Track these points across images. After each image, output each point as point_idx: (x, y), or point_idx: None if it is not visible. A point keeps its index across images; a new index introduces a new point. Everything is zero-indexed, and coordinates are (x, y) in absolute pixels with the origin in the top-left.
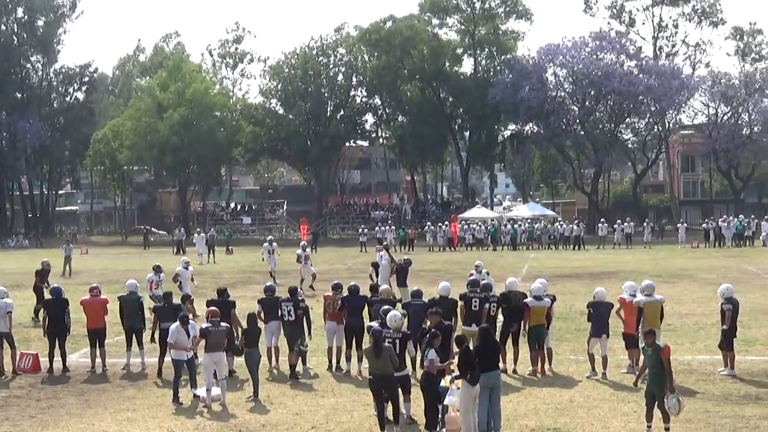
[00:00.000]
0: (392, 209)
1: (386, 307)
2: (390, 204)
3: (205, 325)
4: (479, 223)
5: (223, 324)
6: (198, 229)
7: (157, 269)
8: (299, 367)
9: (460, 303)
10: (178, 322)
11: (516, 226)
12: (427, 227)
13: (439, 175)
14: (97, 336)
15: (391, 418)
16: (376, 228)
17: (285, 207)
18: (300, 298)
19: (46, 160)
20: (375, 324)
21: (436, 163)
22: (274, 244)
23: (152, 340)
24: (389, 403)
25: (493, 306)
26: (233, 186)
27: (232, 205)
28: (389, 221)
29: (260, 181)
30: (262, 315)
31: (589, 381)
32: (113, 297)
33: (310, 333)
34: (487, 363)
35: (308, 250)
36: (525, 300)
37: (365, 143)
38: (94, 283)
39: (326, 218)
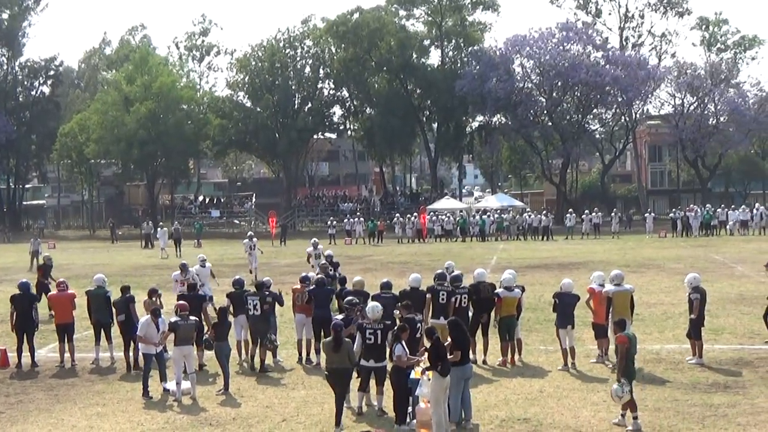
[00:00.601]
0: (361, 201)
1: (350, 297)
2: (359, 196)
3: (173, 318)
4: (448, 215)
5: (191, 318)
6: (161, 223)
7: (184, 267)
8: (269, 360)
9: (427, 296)
10: (149, 315)
11: (485, 217)
12: (396, 219)
13: (407, 167)
14: (65, 331)
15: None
16: (345, 220)
17: (254, 200)
18: (266, 292)
19: (12, 155)
20: (340, 317)
21: (405, 155)
22: (255, 239)
23: (121, 331)
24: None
25: (464, 298)
26: (201, 179)
27: (201, 198)
28: (358, 213)
29: (228, 174)
30: (231, 309)
31: (559, 371)
32: (81, 292)
33: (280, 302)
34: (461, 355)
35: (321, 247)
36: (496, 291)
37: (333, 135)
38: (62, 278)
39: (295, 211)
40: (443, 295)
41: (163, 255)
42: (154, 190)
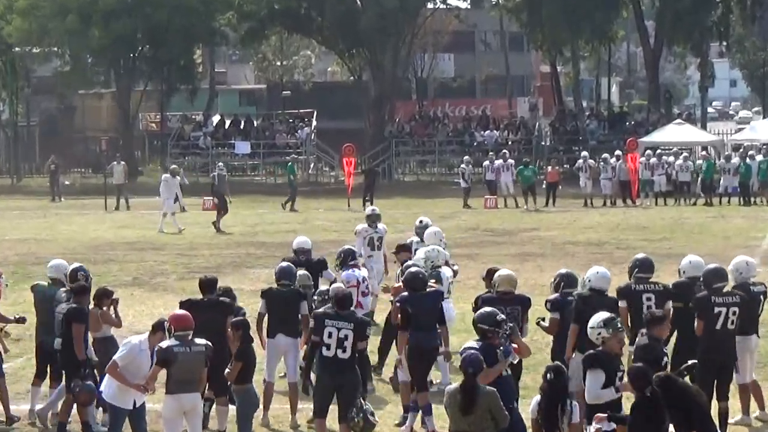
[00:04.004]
0: (515, 128)
1: (487, 309)
2: (511, 118)
3: (166, 343)
4: (685, 154)
5: (198, 341)
6: (174, 166)
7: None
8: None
9: (620, 304)
10: (141, 337)
11: (748, 160)
12: (581, 162)
13: (603, 65)
14: None
15: None
16: (485, 163)
17: (314, 123)
18: (364, 317)
19: None
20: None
21: (598, 42)
22: (381, 226)
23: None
24: None
25: (732, 312)
26: (218, 84)
27: (216, 118)
28: (507, 150)
29: (268, 75)
30: (266, 321)
31: None
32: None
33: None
34: None
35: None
36: None
37: (464, 4)
38: None
39: (391, 144)
40: (648, 298)
41: (175, 225)
42: (129, 105)
